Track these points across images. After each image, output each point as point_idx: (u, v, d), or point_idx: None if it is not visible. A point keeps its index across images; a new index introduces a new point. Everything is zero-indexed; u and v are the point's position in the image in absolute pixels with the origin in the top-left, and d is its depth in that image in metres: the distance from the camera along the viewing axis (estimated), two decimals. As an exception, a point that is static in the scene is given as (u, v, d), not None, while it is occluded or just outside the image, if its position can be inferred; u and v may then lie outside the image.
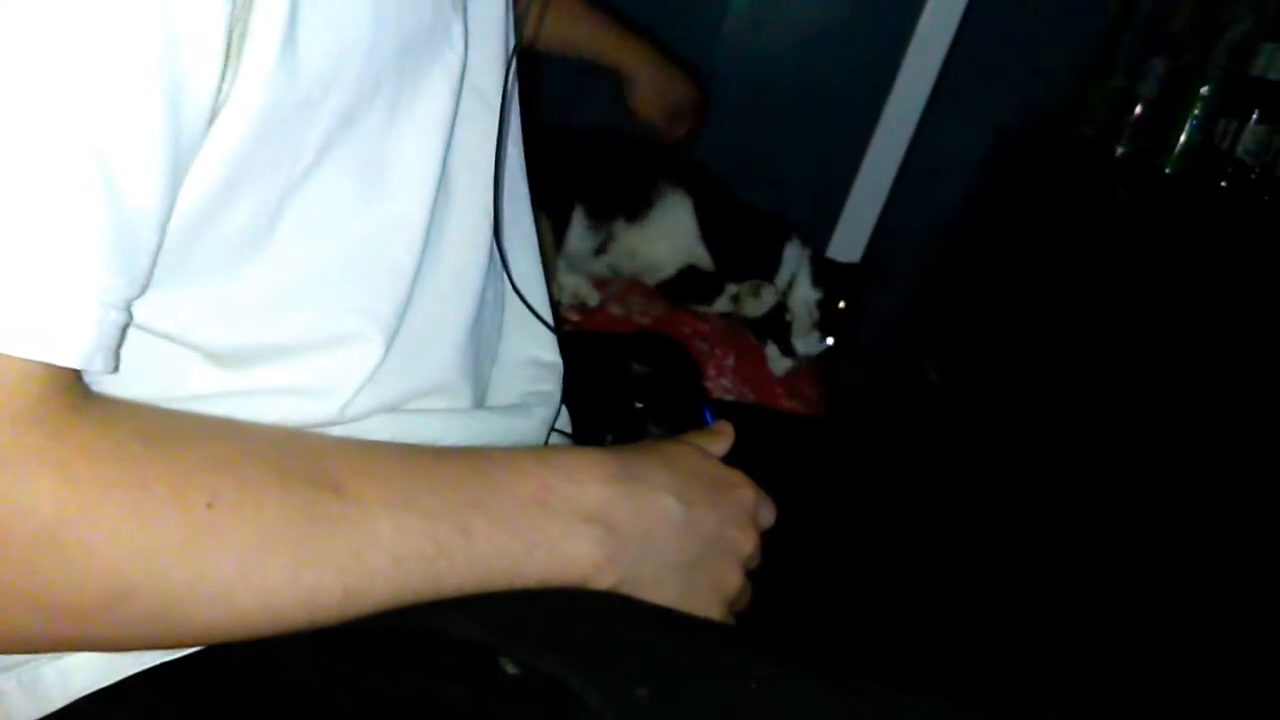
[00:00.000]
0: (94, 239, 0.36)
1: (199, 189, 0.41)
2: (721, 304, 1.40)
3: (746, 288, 1.39)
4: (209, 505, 0.40)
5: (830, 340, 1.39)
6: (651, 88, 1.40)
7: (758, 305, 1.38)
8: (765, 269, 1.41)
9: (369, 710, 0.46)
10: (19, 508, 0.36)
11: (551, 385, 0.68)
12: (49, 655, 0.47)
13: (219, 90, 0.39)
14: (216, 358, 0.48)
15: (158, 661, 0.47)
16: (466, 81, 0.54)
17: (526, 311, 0.68)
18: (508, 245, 0.64)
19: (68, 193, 0.36)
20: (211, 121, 0.40)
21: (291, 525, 0.42)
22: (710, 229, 1.39)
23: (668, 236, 1.39)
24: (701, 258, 1.39)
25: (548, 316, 0.70)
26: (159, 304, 0.44)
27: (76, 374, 0.39)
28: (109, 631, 0.40)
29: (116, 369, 0.39)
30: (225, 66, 0.39)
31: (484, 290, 0.59)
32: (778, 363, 1.38)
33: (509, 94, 0.60)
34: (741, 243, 1.41)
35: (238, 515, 0.41)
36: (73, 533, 0.37)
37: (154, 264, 0.40)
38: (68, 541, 0.37)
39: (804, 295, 1.39)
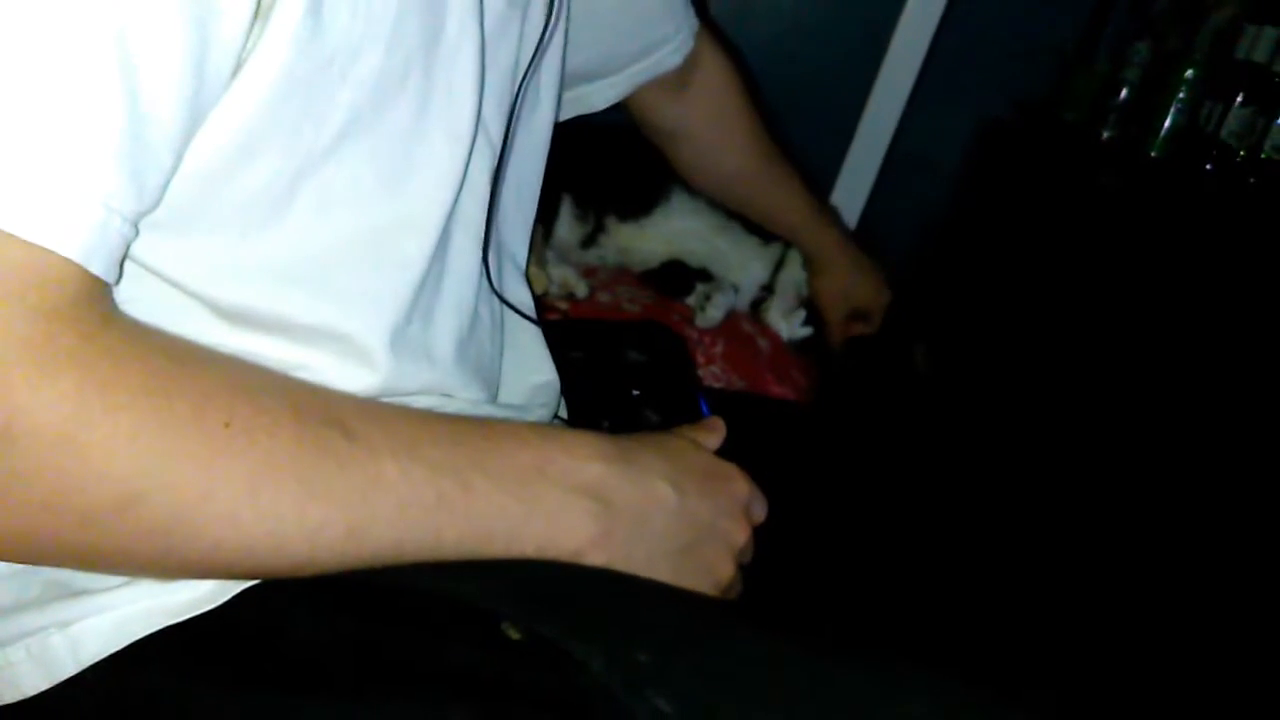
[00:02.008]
0: (108, 140, 0.37)
1: (223, 138, 0.43)
2: (691, 300, 1.36)
3: (700, 293, 1.34)
4: (226, 425, 0.41)
5: (810, 329, 1.37)
6: (840, 284, 1.24)
7: (704, 318, 1.32)
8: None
9: (376, 671, 0.46)
10: (44, 401, 0.37)
11: (549, 397, 0.70)
12: (58, 623, 0.47)
13: (247, 37, 0.41)
14: (228, 317, 0.48)
15: (167, 624, 0.47)
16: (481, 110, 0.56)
17: (522, 340, 0.69)
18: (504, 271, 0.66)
19: (88, 94, 0.36)
20: (237, 72, 0.41)
21: (303, 457, 0.43)
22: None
23: (667, 236, 1.37)
24: (693, 254, 1.38)
25: (541, 344, 0.71)
26: (174, 250, 0.45)
27: (109, 291, 0.40)
28: (117, 540, 0.41)
29: (117, 281, 0.40)
30: (255, 18, 0.40)
31: (475, 307, 0.61)
32: (788, 324, 1.36)
33: (512, 130, 0.61)
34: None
35: (252, 439, 0.42)
36: (92, 433, 0.38)
37: (165, 186, 0.41)
38: (86, 441, 0.38)
39: (794, 276, 1.38)
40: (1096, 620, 1.21)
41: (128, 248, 0.40)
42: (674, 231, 1.37)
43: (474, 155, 0.56)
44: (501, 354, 0.67)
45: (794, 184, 1.16)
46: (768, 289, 1.39)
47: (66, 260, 0.37)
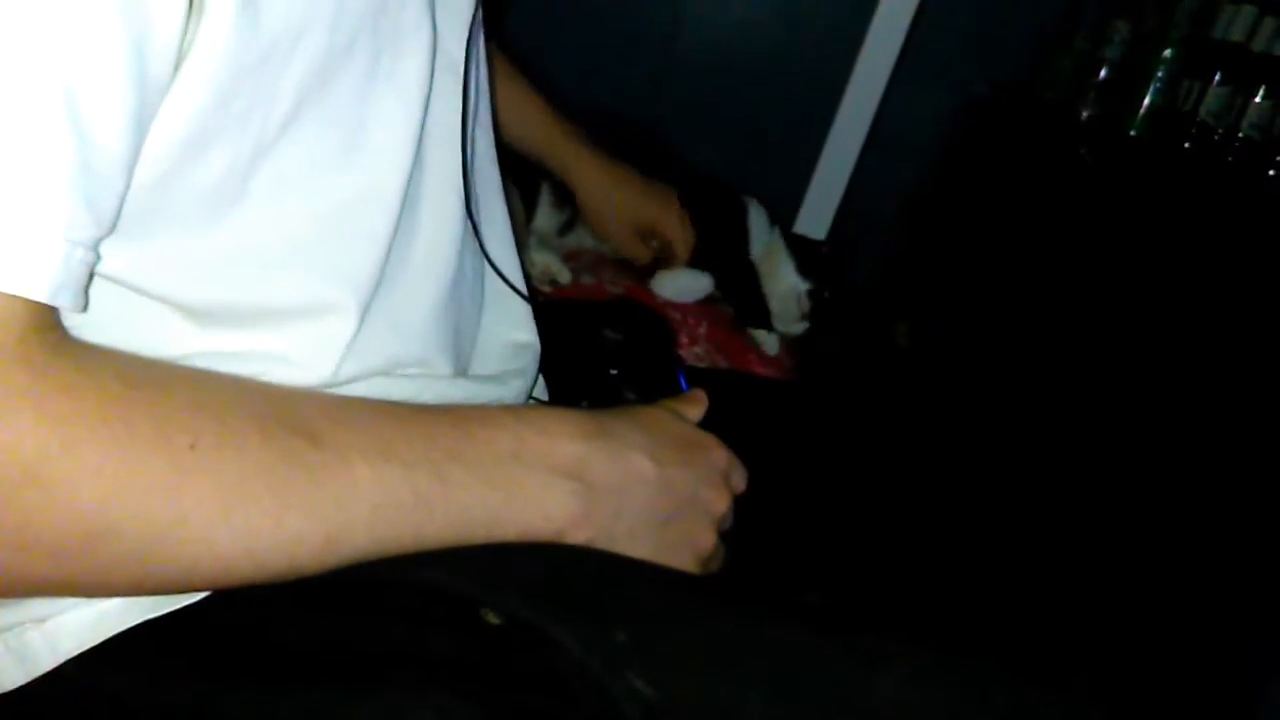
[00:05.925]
0: (60, 176, 0.37)
1: (171, 137, 0.41)
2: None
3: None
4: (191, 446, 0.40)
5: (808, 324, 1.38)
6: (604, 203, 1.18)
7: (655, 280, 1.29)
8: (737, 244, 1.39)
9: (357, 662, 0.46)
10: (1, 443, 0.36)
11: (528, 362, 0.69)
12: (34, 619, 0.47)
13: (184, 35, 0.39)
14: (193, 314, 0.47)
15: (143, 619, 0.47)
16: (439, 51, 0.54)
17: (504, 294, 0.68)
18: (482, 229, 0.64)
19: (35, 131, 0.36)
20: (178, 68, 0.40)
21: (273, 469, 0.42)
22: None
23: None
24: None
25: (525, 294, 0.69)
26: (134, 255, 0.44)
27: (57, 317, 0.39)
28: (91, 571, 0.40)
29: (85, 309, 0.39)
30: (190, 13, 0.39)
31: (459, 264, 0.60)
32: (770, 343, 1.37)
33: (472, 66, 0.59)
34: (706, 225, 1.39)
35: (219, 456, 0.41)
36: (56, 470, 0.37)
37: (120, 206, 0.40)
38: (51, 478, 0.37)
39: (791, 285, 1.38)
40: (1076, 582, 1.22)
41: (92, 272, 0.40)
42: None
43: (433, 107, 0.55)
44: (481, 309, 0.66)
45: (532, 102, 1.10)
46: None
47: (10, 297, 0.36)
